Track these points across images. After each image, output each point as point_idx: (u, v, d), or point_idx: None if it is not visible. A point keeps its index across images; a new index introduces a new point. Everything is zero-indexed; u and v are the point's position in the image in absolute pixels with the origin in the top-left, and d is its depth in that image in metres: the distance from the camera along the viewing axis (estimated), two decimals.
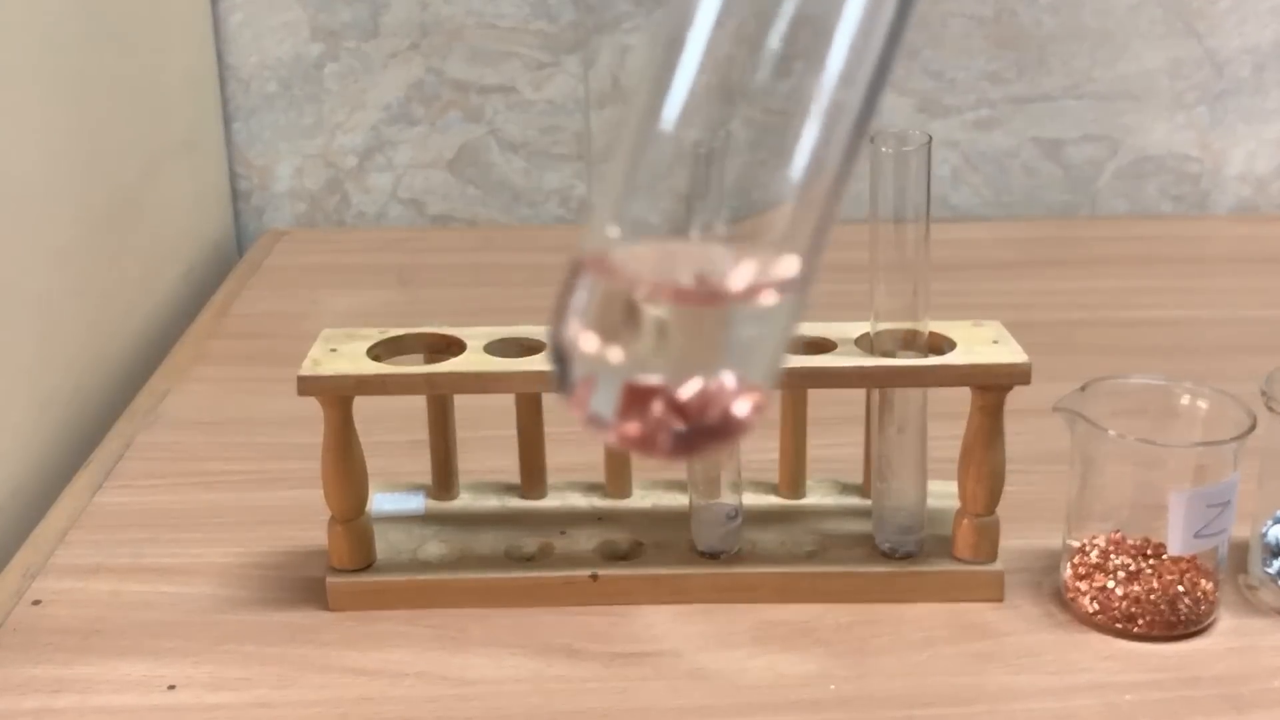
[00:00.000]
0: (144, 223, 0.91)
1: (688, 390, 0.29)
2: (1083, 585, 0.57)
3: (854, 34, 0.30)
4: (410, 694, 0.54)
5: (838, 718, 0.52)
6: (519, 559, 0.60)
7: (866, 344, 0.57)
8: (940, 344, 0.57)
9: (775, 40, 0.30)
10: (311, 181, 1.10)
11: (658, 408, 0.29)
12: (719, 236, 0.30)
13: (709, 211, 0.30)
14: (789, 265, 0.30)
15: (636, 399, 0.29)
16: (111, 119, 0.86)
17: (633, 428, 0.30)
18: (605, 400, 0.30)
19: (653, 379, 0.29)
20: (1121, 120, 1.09)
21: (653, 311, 0.29)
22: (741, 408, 0.30)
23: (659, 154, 0.30)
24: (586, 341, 0.30)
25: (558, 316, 0.30)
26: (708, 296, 0.30)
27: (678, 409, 0.29)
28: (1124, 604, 0.56)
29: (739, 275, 0.30)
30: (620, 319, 0.29)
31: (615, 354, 0.29)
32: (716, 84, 0.30)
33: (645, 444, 0.30)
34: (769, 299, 0.30)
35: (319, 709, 0.53)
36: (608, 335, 0.29)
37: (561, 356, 0.30)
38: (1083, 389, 0.58)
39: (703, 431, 0.30)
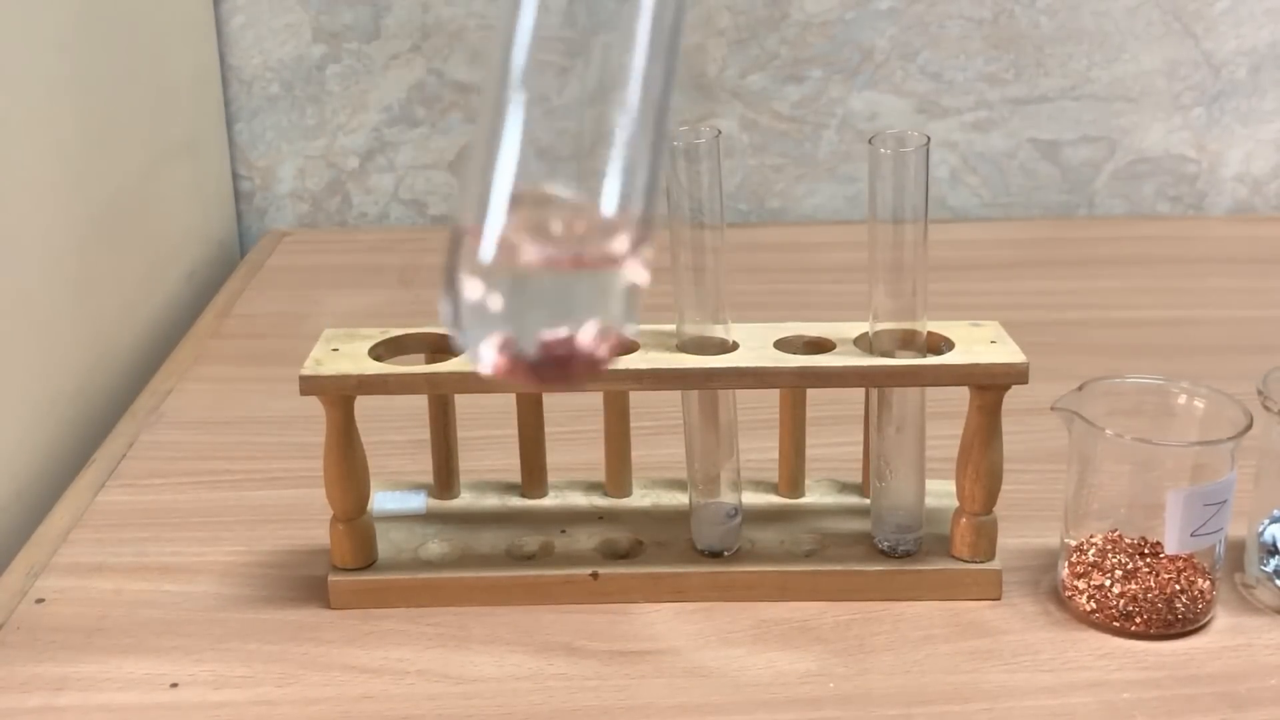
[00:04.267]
0: (146, 223, 0.91)
1: (551, 333, 0.35)
2: (1080, 584, 0.58)
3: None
4: (411, 692, 0.54)
5: (836, 715, 0.53)
6: (520, 558, 0.61)
7: (865, 344, 0.58)
8: (938, 344, 0.58)
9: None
10: (313, 182, 1.10)
11: (524, 348, 0.35)
12: (576, 197, 0.35)
13: (568, 167, 0.35)
14: (633, 230, 0.34)
15: (510, 342, 0.35)
16: (114, 120, 0.86)
17: (501, 361, 0.35)
18: (481, 340, 0.35)
19: (524, 325, 0.35)
20: (1119, 121, 1.09)
21: (525, 271, 0.35)
22: (599, 346, 0.35)
23: (518, 117, 0.35)
24: (472, 290, 0.35)
25: (449, 271, 0.35)
26: (573, 262, 0.35)
27: (542, 348, 0.35)
28: (1121, 602, 0.56)
29: (597, 244, 0.34)
30: (496, 276, 0.35)
31: (494, 302, 0.34)
32: (554, 44, 0.36)
33: (514, 373, 0.35)
34: (623, 264, 0.34)
35: (321, 707, 0.53)
36: (489, 287, 0.35)
37: (454, 302, 0.35)
38: (1080, 389, 0.58)
39: (557, 361, 0.35)
